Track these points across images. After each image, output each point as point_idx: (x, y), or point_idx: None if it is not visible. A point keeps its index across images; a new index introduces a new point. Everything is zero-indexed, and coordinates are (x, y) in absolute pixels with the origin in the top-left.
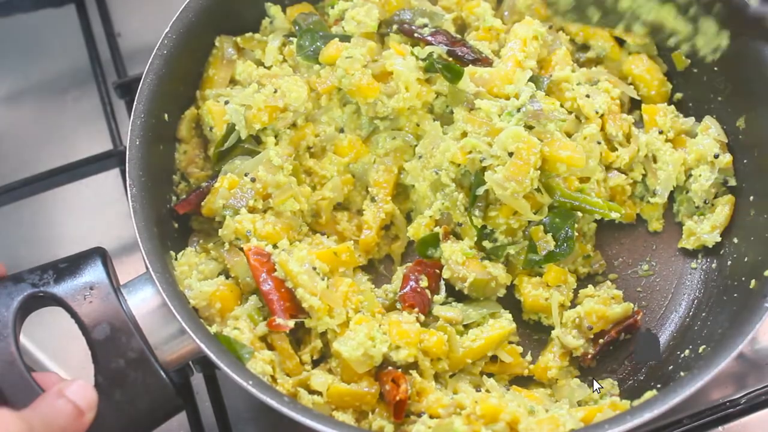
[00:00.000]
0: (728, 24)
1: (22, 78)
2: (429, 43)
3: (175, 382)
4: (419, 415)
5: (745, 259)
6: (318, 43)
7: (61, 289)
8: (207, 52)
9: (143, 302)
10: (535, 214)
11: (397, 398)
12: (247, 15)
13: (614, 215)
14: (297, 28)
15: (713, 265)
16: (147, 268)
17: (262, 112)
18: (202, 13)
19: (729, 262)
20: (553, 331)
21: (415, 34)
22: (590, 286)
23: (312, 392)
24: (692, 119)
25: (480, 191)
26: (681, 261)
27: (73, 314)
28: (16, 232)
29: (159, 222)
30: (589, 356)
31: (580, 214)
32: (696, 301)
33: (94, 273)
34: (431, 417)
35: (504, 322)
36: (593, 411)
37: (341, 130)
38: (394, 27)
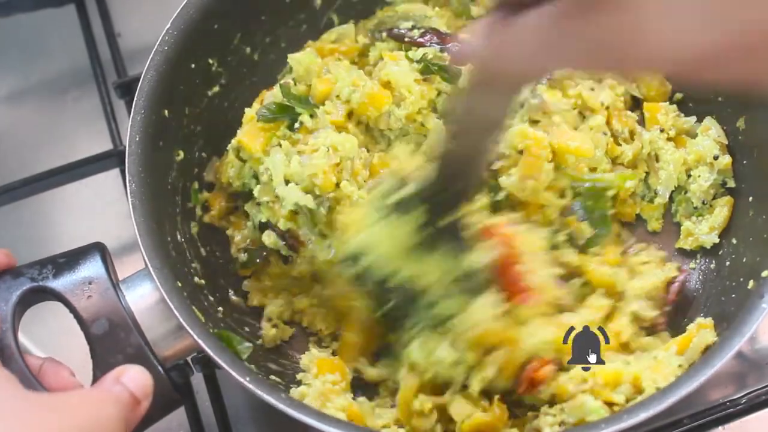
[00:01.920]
0: None
1: (22, 78)
2: (421, 45)
3: (173, 378)
4: (538, 408)
5: (744, 260)
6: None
7: (60, 284)
8: (208, 49)
9: (141, 298)
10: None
11: (536, 377)
12: (248, 12)
13: (629, 184)
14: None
15: (711, 266)
16: (145, 263)
17: (329, 174)
18: (204, 9)
19: (727, 263)
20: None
21: (406, 38)
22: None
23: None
24: (694, 118)
25: (501, 197)
26: (679, 261)
27: (72, 309)
28: (15, 232)
29: (158, 218)
30: (661, 325)
31: (610, 193)
32: (694, 302)
33: (93, 268)
34: (555, 400)
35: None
36: (685, 340)
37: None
38: (383, 35)
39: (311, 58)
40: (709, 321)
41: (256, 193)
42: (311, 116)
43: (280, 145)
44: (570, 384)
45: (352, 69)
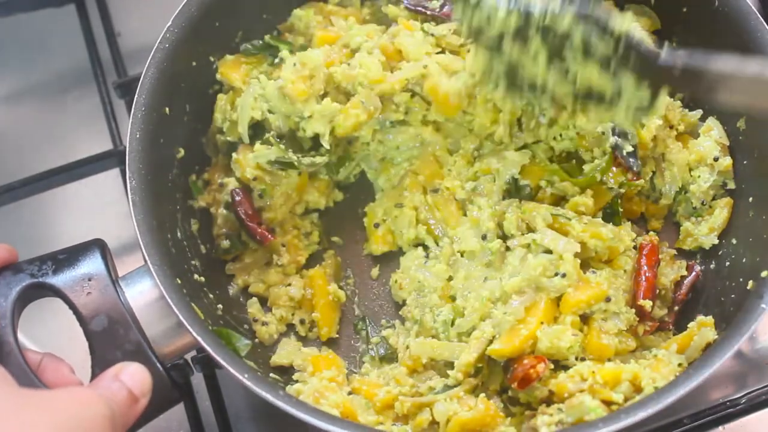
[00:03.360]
0: (645, 75)
1: (22, 78)
2: (443, 20)
3: (172, 375)
4: (535, 408)
5: (743, 260)
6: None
7: (59, 280)
8: (209, 46)
9: (141, 294)
10: None
11: (530, 374)
12: (250, 9)
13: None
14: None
15: (711, 266)
16: (145, 260)
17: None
18: (205, 7)
19: (727, 263)
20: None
21: (428, 12)
22: None
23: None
24: (699, 112)
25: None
26: (679, 261)
27: (71, 305)
28: (15, 232)
29: (158, 216)
30: (668, 324)
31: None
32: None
33: (93, 264)
34: (553, 399)
35: None
36: (685, 338)
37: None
38: (401, 6)
39: (312, 14)
40: (710, 319)
41: (224, 128)
42: (291, 52)
43: (258, 79)
44: (569, 382)
45: (360, 27)
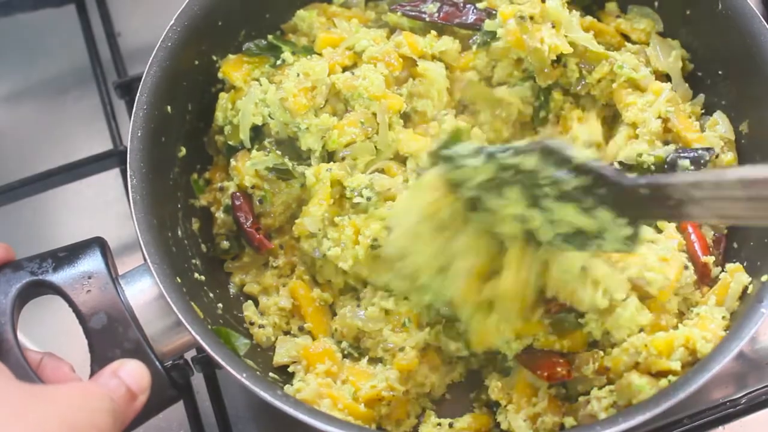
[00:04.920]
0: (617, 206)
1: (22, 78)
2: (443, 23)
3: (170, 374)
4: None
5: (744, 264)
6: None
7: (59, 278)
8: (211, 45)
9: (141, 293)
10: None
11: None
12: (252, 9)
13: None
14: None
15: None
16: (145, 259)
17: (299, 97)
18: (208, 5)
19: None
20: None
21: (427, 18)
22: None
23: None
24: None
25: None
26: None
27: (71, 303)
28: (15, 232)
29: (159, 214)
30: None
31: None
32: None
33: (93, 262)
34: (609, 376)
35: None
36: (722, 288)
37: None
38: (398, 13)
39: (315, 15)
40: (738, 265)
41: (225, 131)
42: (293, 53)
43: (260, 82)
44: (624, 355)
45: (366, 30)
